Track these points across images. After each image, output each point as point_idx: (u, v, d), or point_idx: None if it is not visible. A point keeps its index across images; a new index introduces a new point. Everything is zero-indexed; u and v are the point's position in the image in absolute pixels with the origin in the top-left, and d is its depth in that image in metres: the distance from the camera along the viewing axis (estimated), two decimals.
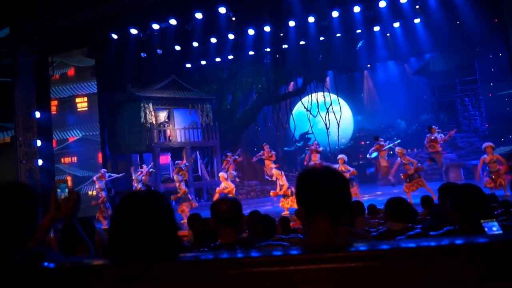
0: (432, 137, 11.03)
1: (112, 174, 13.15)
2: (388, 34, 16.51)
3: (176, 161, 13.63)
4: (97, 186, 12.22)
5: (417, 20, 14.95)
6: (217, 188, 11.82)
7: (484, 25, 13.91)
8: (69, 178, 18.95)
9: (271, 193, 11.55)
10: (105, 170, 13.25)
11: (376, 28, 15.76)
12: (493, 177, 9.48)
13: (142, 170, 12.99)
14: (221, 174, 11.86)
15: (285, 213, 11.05)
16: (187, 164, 13.35)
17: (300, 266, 1.01)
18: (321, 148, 12.57)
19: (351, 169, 11.14)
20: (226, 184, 11.39)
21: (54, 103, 17.30)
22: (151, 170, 13.36)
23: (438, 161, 11.07)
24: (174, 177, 11.81)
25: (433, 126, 11.62)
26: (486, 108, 17.69)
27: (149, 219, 1.28)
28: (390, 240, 2.33)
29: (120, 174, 13.69)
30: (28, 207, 1.59)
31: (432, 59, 18.76)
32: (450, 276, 0.95)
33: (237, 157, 13.03)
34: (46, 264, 1.18)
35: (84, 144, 18.27)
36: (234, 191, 11.53)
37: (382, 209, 5.54)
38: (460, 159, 16.23)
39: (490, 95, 17.81)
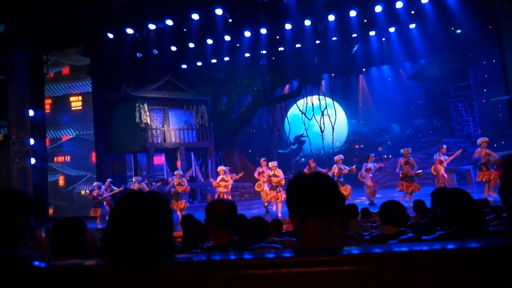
0: (442, 158, 10.54)
1: (114, 187, 12.61)
2: (383, 39, 16.62)
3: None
4: (95, 192, 11.95)
5: (412, 26, 15.06)
6: (214, 182, 11.80)
7: (479, 31, 14.06)
8: (61, 177, 18.83)
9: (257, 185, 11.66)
10: (111, 180, 12.98)
11: (372, 33, 15.85)
12: (484, 168, 9.63)
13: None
14: (220, 168, 11.88)
15: (265, 204, 11.29)
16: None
17: (293, 269, 1.01)
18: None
19: (348, 168, 11.24)
20: (225, 178, 11.43)
21: (48, 101, 17.19)
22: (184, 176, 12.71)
23: (441, 184, 10.35)
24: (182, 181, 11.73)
25: (444, 146, 11.09)
26: (479, 114, 17.84)
27: (147, 220, 1.28)
28: (383, 244, 2.34)
29: (121, 188, 13.17)
30: (22, 212, 1.64)
31: (427, 64, 18.90)
32: (442, 281, 0.95)
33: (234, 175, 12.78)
34: (37, 264, 1.17)
35: (77, 143, 18.15)
36: (229, 187, 11.60)
37: (375, 213, 5.57)
38: (453, 164, 16.31)
39: (484, 101, 17.98)
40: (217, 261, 1.12)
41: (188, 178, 12.74)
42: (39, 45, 13.91)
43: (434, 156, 10.93)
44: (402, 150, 10.81)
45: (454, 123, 18.20)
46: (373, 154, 12.30)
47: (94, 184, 12.41)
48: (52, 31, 13.44)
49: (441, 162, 10.54)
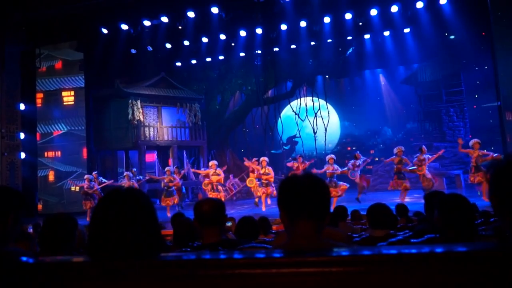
0: (422, 157, 10.62)
1: (104, 180, 12.54)
2: (378, 42, 16.72)
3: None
4: (85, 185, 11.88)
5: (406, 30, 15.18)
6: (206, 180, 11.74)
7: (472, 38, 14.22)
8: (51, 173, 18.66)
9: (247, 181, 11.70)
10: (97, 172, 12.94)
11: (367, 36, 15.95)
12: (473, 170, 9.73)
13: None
14: (212, 162, 11.92)
15: (256, 199, 11.32)
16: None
17: (282, 269, 1.02)
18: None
19: (340, 169, 11.31)
20: (217, 172, 11.46)
21: (39, 95, 17.00)
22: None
23: (426, 186, 10.36)
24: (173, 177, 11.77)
25: (423, 147, 11.18)
26: (470, 119, 18.03)
27: (131, 216, 1.27)
28: (372, 246, 2.36)
29: (111, 180, 13.08)
30: (15, 210, 1.67)
31: (420, 69, 19.05)
32: (430, 284, 0.96)
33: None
34: (25, 259, 1.16)
35: (69, 139, 18.00)
36: (222, 180, 11.64)
37: (365, 215, 5.58)
38: (443, 168, 16.50)
39: (475, 106, 18.17)
40: (206, 260, 1.12)
41: (181, 176, 12.70)
42: (32, 38, 13.77)
43: (414, 157, 10.99)
44: (395, 149, 10.94)
45: (445, 127, 18.36)
46: (359, 152, 12.35)
47: (85, 177, 12.35)
48: (45, 24, 13.30)
49: (420, 161, 10.61)
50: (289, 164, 12.47)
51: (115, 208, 1.29)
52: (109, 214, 1.28)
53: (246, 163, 12.01)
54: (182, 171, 12.88)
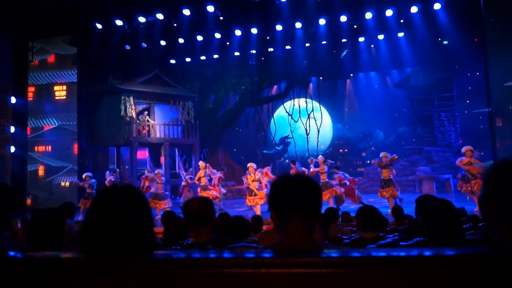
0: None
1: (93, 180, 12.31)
2: (372, 46, 16.81)
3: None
4: (84, 184, 11.65)
5: (400, 34, 15.29)
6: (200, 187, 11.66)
7: (465, 43, 14.36)
8: (41, 167, 18.48)
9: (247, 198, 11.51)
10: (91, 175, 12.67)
11: (361, 39, 16.03)
12: (469, 177, 9.37)
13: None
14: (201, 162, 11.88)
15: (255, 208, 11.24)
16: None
17: (272, 269, 1.02)
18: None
19: (349, 177, 11.39)
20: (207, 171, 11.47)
21: (31, 89, 16.87)
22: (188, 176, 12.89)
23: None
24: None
25: (312, 158, 12.13)
26: (461, 124, 18.24)
27: (129, 215, 1.27)
28: (362, 248, 2.37)
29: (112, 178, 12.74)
30: (4, 205, 1.69)
31: (413, 73, 19.21)
32: (418, 287, 0.97)
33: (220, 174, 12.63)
34: (12, 254, 1.15)
35: (60, 134, 17.83)
36: (205, 181, 11.55)
37: (355, 217, 5.61)
38: (434, 172, 16.65)
39: (466, 112, 18.38)
40: (195, 258, 1.11)
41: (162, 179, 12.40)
42: (25, 32, 13.61)
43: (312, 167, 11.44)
44: (381, 154, 10.79)
45: (436, 132, 18.54)
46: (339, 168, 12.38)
47: (85, 175, 12.05)
48: (39, 18, 13.16)
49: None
50: None
51: (113, 205, 1.28)
52: (107, 212, 1.27)
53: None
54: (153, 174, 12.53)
